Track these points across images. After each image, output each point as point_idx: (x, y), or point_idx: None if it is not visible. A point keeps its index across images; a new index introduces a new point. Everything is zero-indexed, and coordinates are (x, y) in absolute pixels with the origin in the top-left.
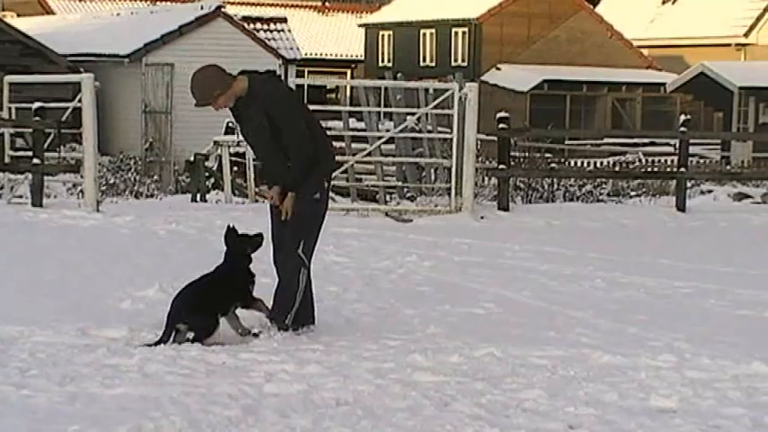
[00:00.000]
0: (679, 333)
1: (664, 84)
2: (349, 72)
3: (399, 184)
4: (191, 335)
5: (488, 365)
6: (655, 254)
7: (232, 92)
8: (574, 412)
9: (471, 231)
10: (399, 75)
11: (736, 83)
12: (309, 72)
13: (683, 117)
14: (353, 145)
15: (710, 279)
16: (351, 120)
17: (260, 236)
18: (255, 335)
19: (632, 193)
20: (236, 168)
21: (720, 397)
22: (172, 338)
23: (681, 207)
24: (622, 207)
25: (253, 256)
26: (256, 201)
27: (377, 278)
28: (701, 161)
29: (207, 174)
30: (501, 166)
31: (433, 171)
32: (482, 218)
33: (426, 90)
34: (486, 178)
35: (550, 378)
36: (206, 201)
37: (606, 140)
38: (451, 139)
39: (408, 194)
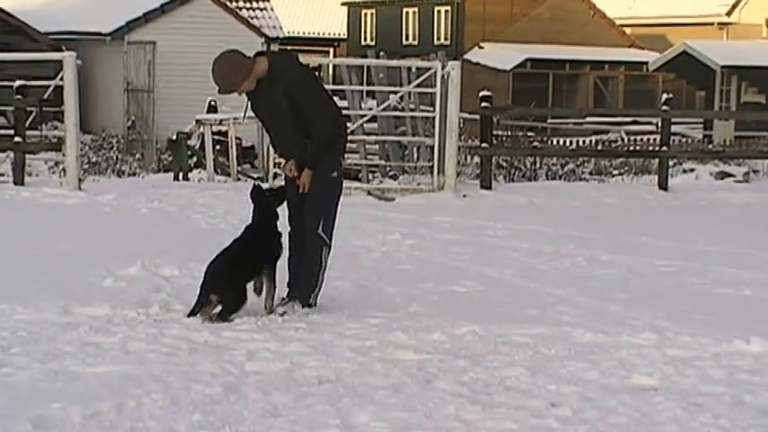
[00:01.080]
0: (660, 311)
1: (646, 63)
2: (332, 50)
3: (382, 162)
4: (218, 308)
5: (470, 343)
6: (636, 232)
7: (254, 74)
8: (555, 390)
9: (454, 210)
10: (382, 53)
11: (719, 62)
12: (292, 50)
13: (665, 96)
14: None
15: (692, 257)
16: (333, 98)
17: (283, 188)
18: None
19: (614, 172)
20: (218, 147)
21: (701, 375)
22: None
23: (663, 186)
24: (605, 186)
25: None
26: (239, 179)
27: (359, 256)
28: (684, 140)
29: (189, 152)
30: (483, 145)
31: (415, 150)
32: (464, 196)
33: (409, 69)
34: (469, 157)
35: (532, 356)
36: (188, 179)
37: (588, 119)
38: (434, 118)
39: (391, 173)
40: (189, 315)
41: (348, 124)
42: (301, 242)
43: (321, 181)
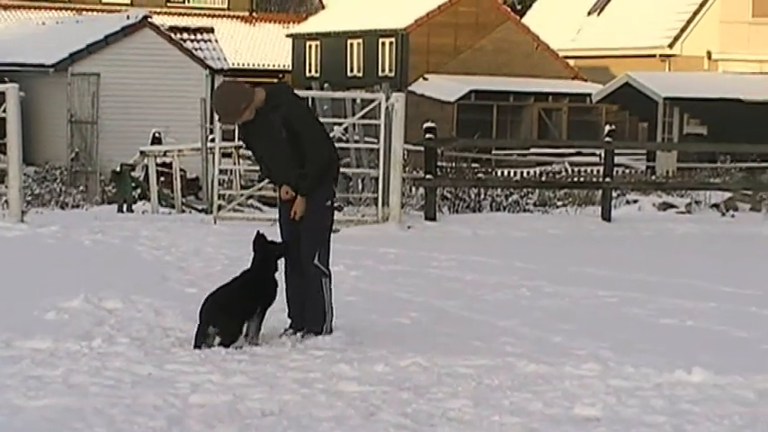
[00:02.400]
0: (603, 342)
1: (589, 94)
2: (276, 82)
3: None
4: (218, 339)
5: (414, 375)
6: (580, 263)
7: (254, 104)
8: (499, 421)
9: (398, 241)
10: (326, 85)
11: (661, 93)
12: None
13: (608, 127)
14: None
15: (634, 288)
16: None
17: (284, 244)
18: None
19: (558, 203)
20: (162, 178)
21: (643, 405)
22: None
23: (606, 217)
24: (548, 217)
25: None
26: (183, 211)
27: None
28: (627, 171)
29: (133, 184)
30: (428, 176)
31: (360, 181)
32: (409, 227)
33: (353, 100)
34: (414, 188)
35: (476, 387)
36: (132, 211)
37: (533, 150)
38: (378, 150)
39: (335, 204)
40: (195, 347)
41: None
42: (295, 270)
43: (315, 210)
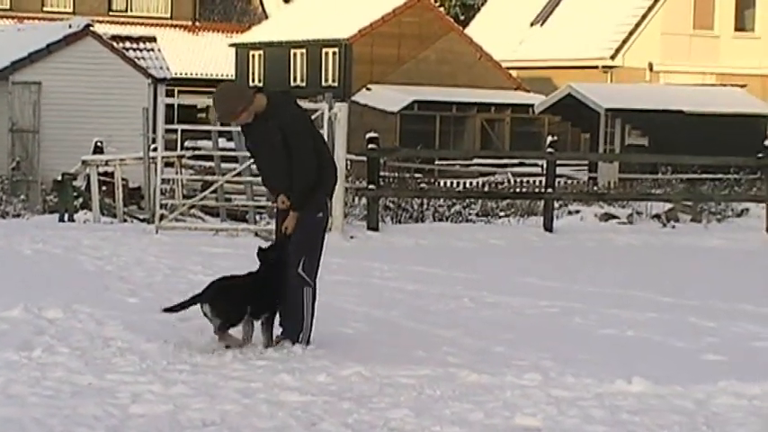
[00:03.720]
0: (544, 352)
1: (532, 105)
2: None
3: (269, 203)
4: (216, 321)
5: (356, 385)
6: (522, 273)
7: (253, 107)
8: (440, 431)
9: (341, 251)
10: None
11: (603, 104)
12: (179, 92)
13: (550, 138)
14: (223, 165)
15: (576, 298)
16: (220, 139)
17: (283, 238)
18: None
19: (501, 214)
20: (104, 188)
21: (584, 415)
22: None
23: (548, 227)
24: (491, 227)
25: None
26: (125, 220)
27: None
28: (569, 182)
29: (75, 193)
30: (371, 186)
31: None
32: (352, 237)
33: None
34: (356, 198)
35: (417, 397)
36: (74, 220)
37: (475, 161)
38: None
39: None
40: (164, 310)
41: (235, 165)
42: (283, 278)
43: (305, 222)
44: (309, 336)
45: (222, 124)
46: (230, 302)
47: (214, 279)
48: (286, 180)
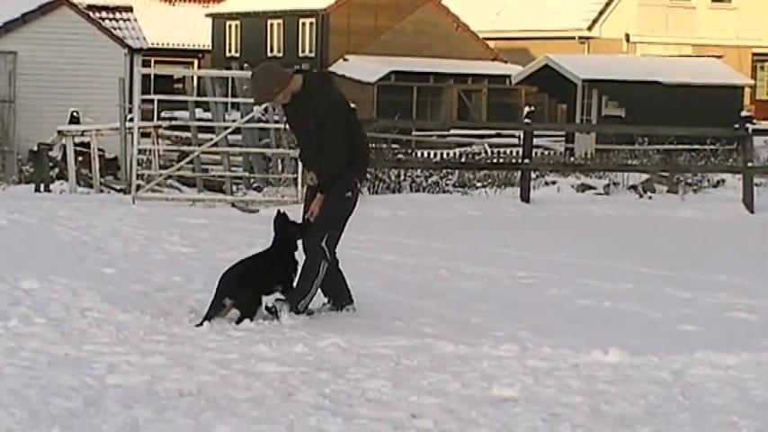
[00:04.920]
0: (521, 323)
1: (509, 76)
2: (196, 62)
3: (246, 174)
4: (236, 312)
5: (333, 355)
6: (499, 244)
7: (289, 89)
8: (417, 401)
9: None
10: (246, 65)
11: (580, 75)
12: (156, 62)
13: (527, 109)
14: (200, 135)
15: (553, 269)
16: (197, 110)
17: (307, 222)
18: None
19: (478, 184)
20: (80, 158)
21: (560, 385)
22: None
23: (525, 198)
24: (468, 198)
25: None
26: (101, 191)
27: (222, 268)
28: (546, 153)
29: (51, 164)
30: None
31: (279, 161)
32: None
33: None
34: None
35: (394, 368)
36: (50, 191)
37: (452, 132)
38: None
39: (255, 185)
40: (202, 322)
41: (212, 136)
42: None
43: (333, 198)
44: (308, 306)
45: (259, 102)
46: (248, 295)
47: (224, 272)
48: (316, 157)
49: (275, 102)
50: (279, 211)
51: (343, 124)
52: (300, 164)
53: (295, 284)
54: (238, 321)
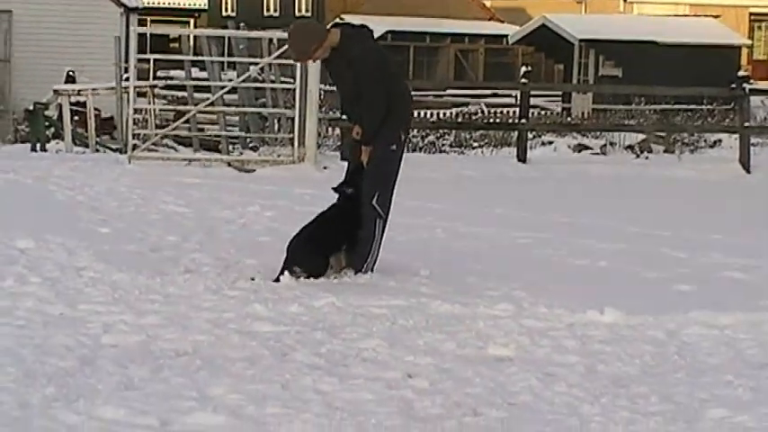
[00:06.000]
0: (517, 282)
1: (506, 36)
2: (192, 21)
3: (242, 134)
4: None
5: (328, 315)
6: (495, 204)
7: (327, 43)
8: (413, 361)
9: (313, 182)
10: (242, 24)
11: (577, 35)
12: (152, 21)
13: (523, 69)
14: (196, 95)
15: (548, 229)
16: (193, 69)
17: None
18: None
19: (475, 144)
20: (76, 118)
21: (556, 345)
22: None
23: (522, 158)
24: (464, 158)
25: None
26: (97, 150)
27: (217, 228)
28: (543, 113)
29: (47, 123)
30: (344, 117)
31: (276, 121)
32: (325, 168)
33: (270, 40)
34: (330, 129)
35: (390, 327)
36: (46, 150)
37: (449, 91)
38: (295, 90)
39: (251, 144)
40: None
41: (208, 95)
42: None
43: (379, 154)
44: (374, 265)
45: (298, 59)
46: (314, 260)
47: (292, 238)
48: (359, 111)
49: (314, 59)
50: (333, 188)
51: (382, 77)
52: (345, 117)
53: (354, 248)
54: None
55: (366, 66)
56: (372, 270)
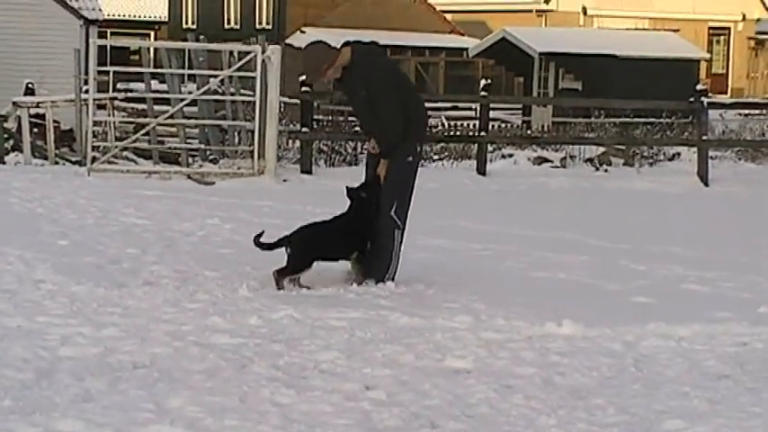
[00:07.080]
0: (476, 294)
1: (466, 49)
2: (152, 33)
3: (202, 146)
4: (287, 265)
5: (287, 327)
6: (455, 216)
7: (339, 63)
8: (371, 373)
9: (274, 194)
10: (202, 37)
11: (537, 48)
12: (112, 33)
13: (483, 82)
14: (156, 107)
15: (508, 241)
16: (153, 82)
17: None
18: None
19: (435, 157)
20: (35, 130)
21: (514, 357)
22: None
23: (482, 171)
24: (424, 170)
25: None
26: (57, 162)
27: (177, 240)
28: (503, 126)
29: (5, 135)
30: (304, 130)
31: (236, 134)
32: (285, 181)
33: (230, 53)
34: (290, 141)
35: (348, 340)
36: (4, 163)
37: None
38: (254, 102)
39: (211, 157)
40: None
41: (168, 108)
42: (372, 216)
43: (396, 165)
44: (394, 275)
45: (310, 80)
46: (302, 251)
47: (302, 224)
48: (374, 127)
49: (327, 78)
50: (346, 187)
51: (396, 92)
52: (364, 132)
53: (373, 259)
54: (281, 270)
55: (381, 83)
56: (393, 279)
